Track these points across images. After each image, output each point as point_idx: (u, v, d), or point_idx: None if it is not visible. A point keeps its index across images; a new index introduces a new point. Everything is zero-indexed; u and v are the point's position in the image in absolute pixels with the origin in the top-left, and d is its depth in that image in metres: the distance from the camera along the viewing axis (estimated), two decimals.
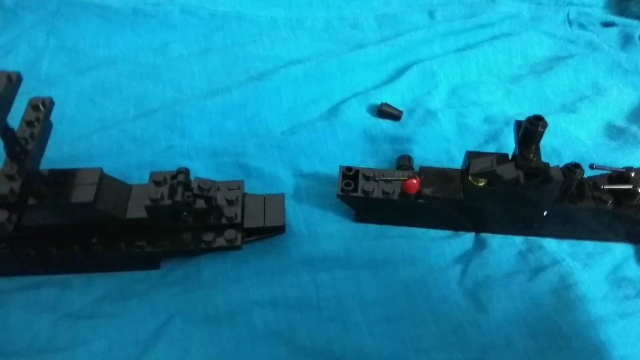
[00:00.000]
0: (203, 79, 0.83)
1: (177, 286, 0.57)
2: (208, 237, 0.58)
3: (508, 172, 0.56)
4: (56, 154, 0.70)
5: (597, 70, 0.89)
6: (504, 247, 0.62)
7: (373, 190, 0.60)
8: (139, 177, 0.63)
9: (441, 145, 0.74)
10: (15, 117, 0.49)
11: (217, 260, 0.59)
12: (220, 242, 0.58)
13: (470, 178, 0.58)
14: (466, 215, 0.62)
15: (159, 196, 0.53)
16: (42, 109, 0.53)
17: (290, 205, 0.64)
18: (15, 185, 0.48)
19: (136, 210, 0.55)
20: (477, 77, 0.87)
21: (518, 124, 0.58)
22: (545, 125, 0.55)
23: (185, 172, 0.55)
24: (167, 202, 0.53)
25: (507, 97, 0.83)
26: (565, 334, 0.54)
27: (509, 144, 0.73)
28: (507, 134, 0.74)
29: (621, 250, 0.62)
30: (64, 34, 0.87)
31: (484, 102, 0.81)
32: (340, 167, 0.63)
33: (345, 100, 0.80)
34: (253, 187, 0.66)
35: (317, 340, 0.53)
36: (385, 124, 0.77)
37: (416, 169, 0.70)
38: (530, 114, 0.79)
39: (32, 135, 0.51)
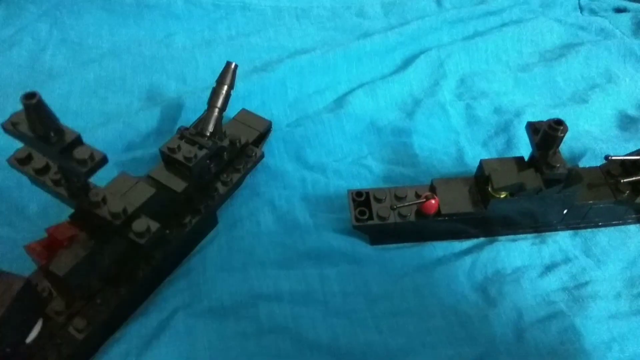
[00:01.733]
0: (207, 70, 0.82)
1: (181, 280, 0.57)
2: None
3: (531, 180, 0.54)
4: None
5: (609, 58, 0.87)
6: (517, 240, 0.61)
7: (389, 215, 0.57)
8: (144, 171, 0.62)
9: (450, 137, 0.73)
10: None
11: (223, 252, 0.58)
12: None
13: (491, 190, 0.56)
14: (483, 224, 0.60)
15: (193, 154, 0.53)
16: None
17: (296, 199, 0.63)
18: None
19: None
20: (486, 66, 0.85)
21: (532, 126, 0.55)
22: (565, 129, 0.52)
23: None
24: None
25: (517, 86, 0.82)
26: (578, 330, 0.53)
27: (519, 135, 0.72)
28: (517, 125, 0.73)
29: (636, 243, 0.61)
30: (67, 26, 0.87)
31: (494, 91, 0.80)
32: (349, 192, 0.59)
33: (351, 91, 0.79)
34: (259, 180, 0.65)
35: (323, 335, 0.53)
36: (393, 115, 0.75)
37: (424, 160, 0.70)
38: (541, 103, 0.79)
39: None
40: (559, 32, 0.92)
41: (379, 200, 0.59)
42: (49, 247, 0.46)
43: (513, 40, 0.88)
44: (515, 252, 0.60)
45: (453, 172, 0.68)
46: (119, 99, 0.77)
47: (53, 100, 0.75)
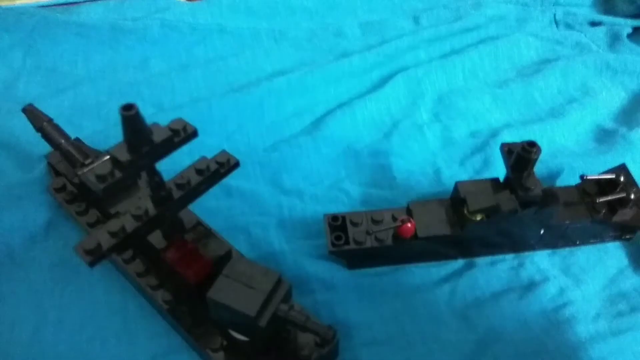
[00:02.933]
0: (184, 94, 0.82)
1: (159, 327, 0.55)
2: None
3: (506, 203, 0.54)
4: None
5: (585, 72, 0.87)
6: (496, 263, 0.61)
7: (366, 239, 0.56)
8: None
9: (427, 159, 0.72)
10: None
11: None
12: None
13: (467, 213, 0.55)
14: (460, 245, 0.60)
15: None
16: (220, 164, 0.51)
17: (272, 225, 0.63)
18: (131, 225, 0.46)
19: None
20: (463, 83, 0.85)
21: (505, 147, 0.55)
22: (539, 151, 0.52)
23: None
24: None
25: (494, 103, 0.82)
26: (552, 355, 0.53)
27: (496, 155, 0.71)
28: (494, 144, 0.73)
29: (615, 261, 0.61)
30: (42, 54, 0.86)
31: (471, 109, 0.80)
32: (325, 216, 0.59)
33: (329, 112, 0.79)
34: (233, 206, 0.65)
35: None
36: (370, 137, 0.75)
37: (401, 182, 0.69)
38: (519, 120, 0.80)
39: (189, 183, 0.49)
40: (536, 47, 0.92)
41: (355, 224, 0.58)
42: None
43: (490, 56, 0.89)
44: (494, 276, 0.59)
45: (430, 193, 0.68)
46: (94, 127, 0.76)
47: (27, 128, 0.76)
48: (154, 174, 0.46)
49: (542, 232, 0.59)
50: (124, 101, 0.80)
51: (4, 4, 0.93)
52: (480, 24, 0.95)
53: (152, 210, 0.47)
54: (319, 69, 0.84)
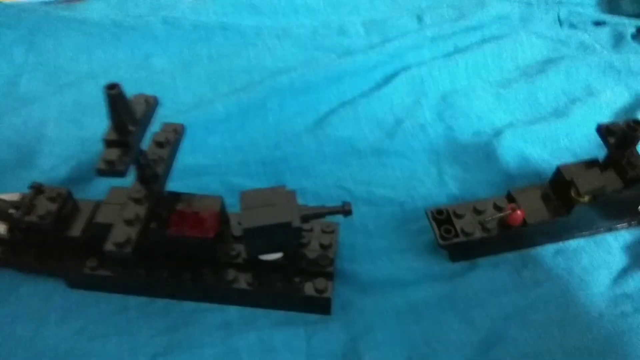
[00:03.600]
0: (187, 92, 0.81)
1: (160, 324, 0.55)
2: (297, 281, 0.54)
3: (612, 182, 0.56)
4: (37, 178, 0.68)
5: (589, 72, 0.87)
6: (498, 264, 0.61)
7: (474, 230, 0.57)
8: None
9: (430, 158, 0.72)
10: None
11: None
12: (309, 290, 0.54)
13: (573, 194, 0.56)
14: (562, 228, 0.61)
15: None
16: (173, 133, 0.53)
17: None
18: (142, 210, 0.47)
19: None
20: (466, 82, 0.85)
21: (604, 127, 0.57)
22: None
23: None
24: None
25: (497, 102, 0.82)
26: (555, 356, 0.53)
27: (499, 153, 0.72)
28: (497, 143, 0.73)
29: (618, 261, 0.61)
30: (44, 50, 0.86)
31: (474, 109, 0.79)
32: (429, 211, 0.59)
33: (332, 111, 0.79)
34: (237, 205, 0.64)
35: None
36: (373, 136, 0.75)
37: (404, 181, 0.69)
38: (523, 120, 0.79)
39: (161, 158, 0.50)
40: (539, 47, 0.92)
41: (459, 216, 0.59)
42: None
43: (493, 55, 0.88)
44: (497, 276, 0.59)
45: (434, 192, 0.68)
46: (97, 125, 0.75)
47: (29, 126, 0.76)
48: (141, 152, 0.46)
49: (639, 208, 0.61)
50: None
51: (5, 0, 0.93)
52: (484, 23, 0.94)
53: (145, 192, 0.48)
54: (322, 68, 0.83)
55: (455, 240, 0.58)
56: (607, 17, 0.98)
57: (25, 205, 0.51)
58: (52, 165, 0.70)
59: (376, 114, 0.78)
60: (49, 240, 0.54)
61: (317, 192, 0.67)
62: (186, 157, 0.71)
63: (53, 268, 0.56)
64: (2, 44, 0.85)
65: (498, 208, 0.60)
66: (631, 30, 0.94)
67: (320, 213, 0.52)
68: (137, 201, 0.48)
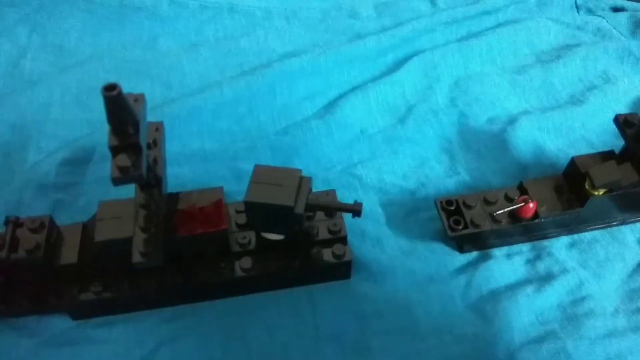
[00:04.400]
0: (193, 75, 0.80)
1: (167, 312, 0.55)
2: (315, 252, 0.54)
3: (628, 175, 0.54)
4: (43, 159, 0.67)
5: (606, 59, 0.85)
6: (512, 255, 0.59)
7: (484, 222, 0.56)
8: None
9: (442, 145, 0.71)
10: None
11: None
12: (328, 256, 0.54)
13: (587, 187, 0.55)
14: (574, 221, 0.59)
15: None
16: (157, 133, 0.50)
17: None
18: (156, 215, 0.45)
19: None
20: (480, 68, 0.83)
21: (622, 118, 0.55)
22: None
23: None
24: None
25: (512, 89, 0.79)
26: (568, 352, 0.51)
27: (514, 142, 0.70)
28: (511, 131, 0.71)
29: (634, 256, 0.59)
30: (48, 30, 0.84)
31: (488, 95, 0.77)
32: (438, 201, 0.58)
33: (342, 96, 0.77)
34: (244, 191, 0.63)
35: None
36: (384, 122, 0.73)
37: (415, 169, 0.68)
38: (538, 107, 0.77)
39: (155, 159, 0.48)
40: (555, 33, 0.89)
41: (469, 207, 0.58)
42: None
43: (509, 41, 0.86)
44: (510, 268, 0.58)
45: (446, 180, 0.66)
46: (102, 107, 0.74)
47: (34, 107, 0.74)
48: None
49: None
50: (132, 80, 0.80)
51: None
52: (499, 6, 0.91)
53: (154, 196, 0.46)
54: (332, 51, 0.81)
55: (465, 231, 0.56)
56: (626, 3, 0.95)
57: (8, 242, 0.46)
58: (56, 146, 0.69)
59: (387, 99, 0.76)
60: (40, 275, 0.50)
61: (327, 178, 0.65)
62: (193, 141, 0.70)
63: (52, 304, 0.52)
64: (6, 23, 0.84)
65: (509, 199, 0.58)
66: None
67: (328, 207, 0.51)
68: (147, 207, 0.46)
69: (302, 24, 0.89)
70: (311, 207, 0.49)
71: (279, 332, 0.53)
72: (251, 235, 0.54)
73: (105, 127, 0.69)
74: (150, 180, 0.46)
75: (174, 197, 0.52)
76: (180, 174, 0.64)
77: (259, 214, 0.49)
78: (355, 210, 0.50)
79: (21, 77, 0.78)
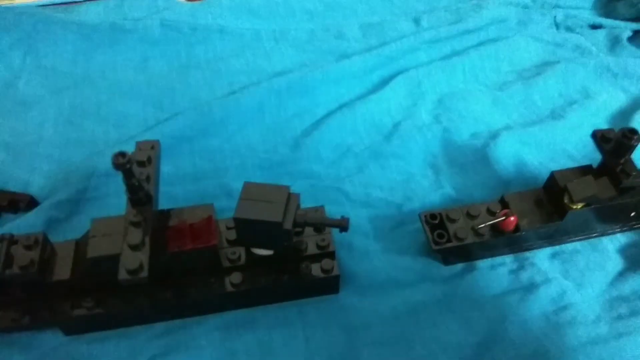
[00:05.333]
0: (185, 95, 0.82)
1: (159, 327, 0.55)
2: (303, 267, 0.55)
3: (606, 190, 0.56)
4: (35, 180, 0.68)
5: (586, 75, 0.87)
6: (496, 266, 0.61)
7: (467, 235, 0.58)
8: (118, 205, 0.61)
9: (427, 160, 0.72)
10: None
11: None
12: (317, 271, 0.55)
13: (566, 201, 0.57)
14: (554, 234, 0.61)
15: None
16: (151, 150, 0.51)
17: None
18: (145, 233, 0.46)
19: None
20: (463, 85, 0.85)
21: (599, 134, 0.57)
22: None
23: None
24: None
25: (494, 104, 0.82)
26: (552, 358, 0.53)
27: (496, 156, 0.72)
28: (494, 146, 0.73)
29: (615, 264, 0.61)
30: (41, 54, 0.86)
31: (471, 112, 0.80)
32: (421, 214, 0.60)
33: (330, 113, 0.79)
34: (234, 208, 0.64)
35: None
36: (370, 138, 0.75)
37: (401, 184, 0.69)
38: (519, 122, 0.80)
39: (148, 177, 0.49)
40: (536, 50, 0.92)
41: (452, 221, 0.59)
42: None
43: (490, 58, 0.89)
44: (494, 278, 0.59)
45: (431, 194, 0.68)
46: (94, 128, 0.76)
47: (27, 129, 0.76)
48: (133, 176, 0.45)
49: (632, 214, 0.61)
50: (124, 102, 0.81)
51: (3, 3, 0.93)
52: (481, 25, 0.95)
53: (145, 213, 0.47)
54: (320, 70, 0.83)
55: (448, 245, 0.58)
56: (604, 20, 0.98)
57: (2, 259, 0.47)
58: (49, 166, 0.70)
59: (373, 116, 0.78)
60: (34, 291, 0.51)
61: (315, 194, 0.67)
62: (184, 160, 0.72)
63: (45, 320, 0.52)
64: (0, 47, 0.86)
65: (491, 213, 0.59)
66: (627, 33, 0.94)
67: (315, 223, 0.52)
68: (136, 225, 0.47)
69: (290, 44, 0.91)
70: (299, 223, 0.51)
71: (269, 345, 0.54)
72: (241, 251, 0.55)
73: (98, 147, 0.71)
74: (141, 198, 0.47)
75: (166, 213, 0.53)
76: (172, 192, 0.66)
77: (249, 230, 0.50)
78: (342, 225, 0.51)
79: (15, 99, 0.79)
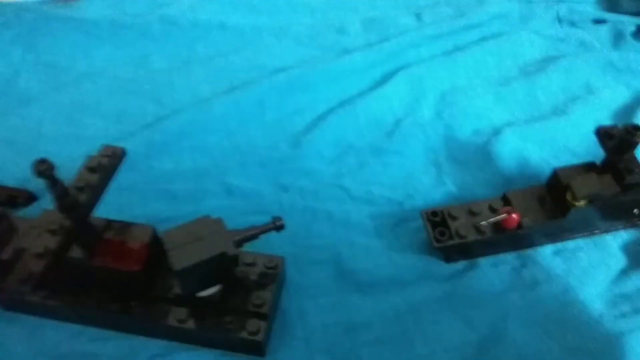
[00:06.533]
0: (185, 91, 0.81)
1: None
2: (227, 321, 0.51)
3: (608, 187, 0.56)
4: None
5: (589, 70, 0.87)
6: (497, 264, 0.60)
7: (469, 233, 0.57)
8: (118, 203, 0.61)
9: (429, 157, 0.72)
10: None
11: None
12: (241, 331, 0.50)
13: (569, 198, 0.56)
14: (558, 231, 0.60)
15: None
16: (109, 157, 0.50)
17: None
18: (54, 242, 0.45)
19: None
20: (466, 81, 0.84)
21: (602, 130, 0.57)
22: None
23: None
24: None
25: (497, 101, 0.81)
26: (554, 356, 0.52)
27: (497, 152, 0.71)
28: (496, 142, 0.72)
29: (617, 261, 0.61)
30: (41, 49, 0.85)
31: (473, 107, 0.79)
32: (423, 212, 0.59)
33: (331, 110, 0.78)
34: (235, 206, 0.64)
35: None
36: (372, 135, 0.75)
37: (403, 181, 0.69)
38: (522, 118, 0.79)
39: (88, 185, 0.47)
40: (539, 45, 0.92)
41: (454, 218, 0.59)
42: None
43: (493, 54, 0.88)
44: (496, 276, 0.59)
45: (433, 192, 0.68)
46: (94, 124, 0.76)
47: (27, 125, 0.75)
48: (56, 183, 0.44)
49: (635, 211, 0.60)
50: (124, 98, 0.81)
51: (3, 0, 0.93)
52: (483, 21, 0.94)
53: (65, 222, 0.46)
54: (321, 66, 0.83)
55: (450, 242, 0.57)
56: (607, 15, 0.97)
57: None
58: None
59: (375, 113, 0.78)
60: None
61: (316, 191, 0.66)
62: (185, 158, 0.71)
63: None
64: (0, 43, 0.85)
65: (493, 210, 0.59)
66: (631, 28, 0.93)
67: (252, 235, 0.49)
68: (52, 232, 0.46)
69: (291, 40, 0.90)
70: (239, 242, 0.48)
71: None
72: (175, 282, 0.51)
73: (97, 143, 0.70)
74: (65, 204, 0.45)
75: (106, 223, 0.51)
76: (172, 189, 0.65)
77: (194, 275, 0.47)
78: (278, 226, 0.49)
79: (15, 96, 0.79)
